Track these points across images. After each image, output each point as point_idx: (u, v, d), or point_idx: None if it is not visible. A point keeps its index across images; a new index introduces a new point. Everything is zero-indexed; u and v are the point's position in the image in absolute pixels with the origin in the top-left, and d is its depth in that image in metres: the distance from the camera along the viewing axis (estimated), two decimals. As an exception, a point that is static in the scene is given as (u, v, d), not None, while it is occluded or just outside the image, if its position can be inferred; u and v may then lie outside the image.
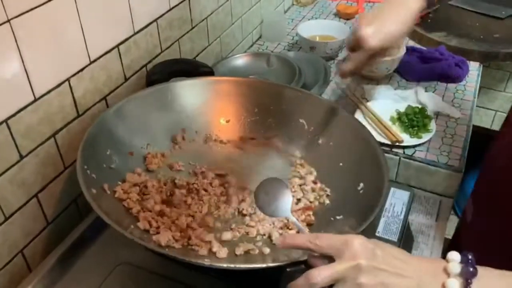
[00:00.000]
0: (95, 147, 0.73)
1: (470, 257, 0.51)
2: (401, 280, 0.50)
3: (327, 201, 0.80)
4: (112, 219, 0.60)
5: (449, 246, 1.01)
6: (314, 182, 0.83)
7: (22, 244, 0.77)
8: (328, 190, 0.81)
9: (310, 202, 0.80)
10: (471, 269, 0.49)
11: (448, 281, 0.49)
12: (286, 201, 0.63)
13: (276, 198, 0.63)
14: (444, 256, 0.53)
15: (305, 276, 0.50)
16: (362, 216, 0.67)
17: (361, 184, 0.75)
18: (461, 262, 0.51)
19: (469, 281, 0.49)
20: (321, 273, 0.50)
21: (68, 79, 0.78)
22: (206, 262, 0.63)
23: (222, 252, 0.68)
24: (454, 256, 0.51)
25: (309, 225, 0.76)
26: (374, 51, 0.80)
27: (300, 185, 0.83)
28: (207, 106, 0.91)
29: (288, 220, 0.74)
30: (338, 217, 0.75)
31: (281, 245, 0.55)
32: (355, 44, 0.81)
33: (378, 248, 0.51)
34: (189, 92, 0.90)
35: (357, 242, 0.50)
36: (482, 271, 0.50)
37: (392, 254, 0.51)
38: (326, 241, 0.52)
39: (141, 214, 0.71)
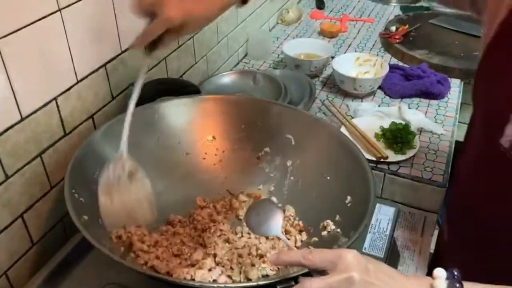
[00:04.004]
0: (83, 170, 0.73)
1: (456, 273, 0.52)
2: None
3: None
4: (107, 247, 0.60)
5: (431, 260, 1.02)
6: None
7: (7, 266, 0.76)
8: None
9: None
10: (457, 285, 0.51)
11: None
12: (277, 221, 0.63)
13: (267, 218, 0.63)
14: (429, 271, 0.54)
15: (301, 281, 0.51)
16: (351, 228, 0.68)
17: (349, 198, 0.76)
18: (447, 278, 0.52)
19: None
20: (314, 285, 0.50)
21: (55, 98, 0.78)
22: (197, 283, 0.63)
23: (215, 272, 0.68)
24: (440, 273, 0.52)
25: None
26: (170, 25, 0.64)
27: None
28: (194, 124, 0.91)
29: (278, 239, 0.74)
30: (324, 233, 0.76)
31: (275, 261, 0.56)
32: (149, 9, 0.64)
33: (370, 263, 0.52)
34: (176, 111, 0.90)
35: (351, 255, 0.51)
36: (469, 286, 0.51)
37: (383, 270, 0.52)
38: (319, 255, 0.52)
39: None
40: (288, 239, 0.77)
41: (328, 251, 0.53)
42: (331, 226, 0.76)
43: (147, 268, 0.69)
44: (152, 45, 0.67)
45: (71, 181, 0.68)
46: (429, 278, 0.53)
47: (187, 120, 0.91)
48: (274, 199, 0.86)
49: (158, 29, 0.64)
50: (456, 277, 0.51)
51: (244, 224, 0.77)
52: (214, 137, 0.92)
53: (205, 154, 0.91)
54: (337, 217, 0.76)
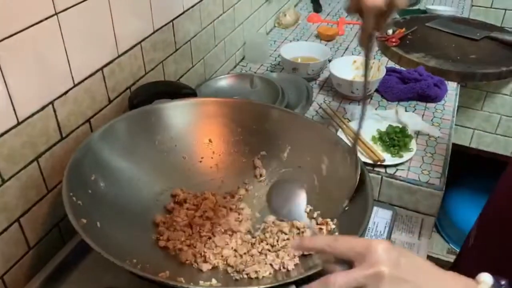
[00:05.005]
0: (80, 173, 0.72)
1: (503, 282, 0.48)
2: None
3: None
4: (108, 251, 0.60)
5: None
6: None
7: (3, 270, 0.75)
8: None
9: None
10: None
11: None
12: (300, 204, 0.60)
13: (290, 200, 0.60)
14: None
15: (320, 281, 0.47)
16: (348, 232, 0.68)
17: (346, 201, 0.76)
18: (493, 286, 0.48)
19: None
20: (338, 280, 0.46)
21: (52, 102, 0.78)
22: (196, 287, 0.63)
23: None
24: (487, 278, 0.49)
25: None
26: (377, 10, 0.71)
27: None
28: (190, 127, 0.91)
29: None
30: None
31: (297, 247, 0.52)
32: (355, 6, 0.73)
33: (403, 257, 0.47)
34: (173, 114, 0.90)
35: (381, 247, 0.46)
36: None
37: (417, 265, 0.48)
38: (346, 244, 0.48)
39: None
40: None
41: (356, 240, 0.48)
42: (330, 225, 0.76)
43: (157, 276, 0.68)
44: (370, 36, 0.74)
45: (69, 184, 0.68)
46: (471, 280, 0.49)
47: (184, 123, 0.91)
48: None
49: (369, 21, 0.70)
50: (502, 287, 0.48)
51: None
52: (210, 140, 0.92)
53: (202, 158, 0.91)
54: (335, 221, 0.76)
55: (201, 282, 0.69)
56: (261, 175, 0.89)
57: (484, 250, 0.91)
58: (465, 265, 1.00)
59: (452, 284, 0.48)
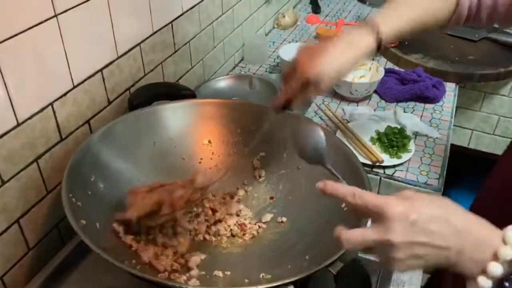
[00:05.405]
0: (80, 174, 0.73)
1: None
2: (437, 252, 0.47)
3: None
4: (109, 253, 0.60)
5: None
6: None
7: (2, 271, 0.76)
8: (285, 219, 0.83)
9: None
10: None
11: (502, 250, 0.46)
12: (323, 143, 0.64)
13: (312, 140, 0.65)
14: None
15: (335, 234, 0.49)
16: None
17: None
18: None
19: None
20: (351, 238, 0.49)
21: (51, 104, 0.78)
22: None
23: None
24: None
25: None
26: (305, 81, 0.73)
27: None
28: (190, 128, 0.92)
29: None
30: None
31: (324, 188, 0.53)
32: (290, 72, 0.75)
33: (420, 217, 0.47)
34: (172, 115, 0.90)
35: (395, 214, 0.47)
36: None
37: (435, 219, 0.47)
38: (365, 201, 0.49)
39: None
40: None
41: (374, 199, 0.49)
42: None
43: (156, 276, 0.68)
44: (286, 104, 0.75)
45: (68, 185, 0.68)
46: (496, 230, 0.48)
47: (183, 124, 0.91)
48: (272, 201, 0.86)
49: (294, 86, 0.71)
50: None
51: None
52: (210, 141, 0.92)
53: (201, 159, 0.91)
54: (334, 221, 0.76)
55: (197, 282, 0.69)
56: (260, 176, 0.90)
57: None
58: None
59: (474, 235, 0.48)
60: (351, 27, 0.79)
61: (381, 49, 0.76)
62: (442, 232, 0.47)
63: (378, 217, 0.48)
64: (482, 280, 0.46)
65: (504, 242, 0.47)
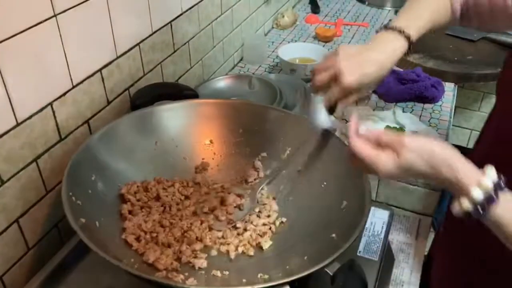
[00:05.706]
0: (80, 173, 0.73)
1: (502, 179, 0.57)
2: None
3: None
4: (106, 251, 0.60)
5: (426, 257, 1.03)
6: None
7: (2, 271, 0.76)
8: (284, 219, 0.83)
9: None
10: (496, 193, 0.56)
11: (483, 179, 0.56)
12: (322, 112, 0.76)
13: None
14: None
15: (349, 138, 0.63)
16: (346, 233, 0.68)
17: (344, 202, 0.77)
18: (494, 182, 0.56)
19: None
20: (358, 145, 0.63)
21: (50, 103, 0.78)
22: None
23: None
24: (491, 173, 0.58)
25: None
26: (349, 90, 0.77)
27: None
28: (191, 129, 0.92)
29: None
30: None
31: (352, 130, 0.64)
32: (330, 78, 0.78)
33: (412, 165, 0.60)
34: (174, 115, 0.90)
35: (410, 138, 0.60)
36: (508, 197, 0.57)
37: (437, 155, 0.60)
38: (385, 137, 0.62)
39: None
40: None
41: (392, 139, 0.62)
42: None
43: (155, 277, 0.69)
44: (330, 109, 0.80)
45: (68, 184, 0.68)
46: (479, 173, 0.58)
47: (185, 124, 0.91)
48: (272, 201, 0.87)
49: (336, 92, 0.76)
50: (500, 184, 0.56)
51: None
52: (211, 141, 0.92)
53: (202, 159, 0.91)
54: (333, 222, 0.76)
55: (194, 281, 0.69)
56: (261, 177, 0.90)
57: (452, 238, 0.94)
58: (437, 253, 1.03)
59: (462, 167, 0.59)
60: (379, 33, 0.82)
61: (411, 51, 0.82)
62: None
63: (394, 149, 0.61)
64: (476, 191, 0.56)
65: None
